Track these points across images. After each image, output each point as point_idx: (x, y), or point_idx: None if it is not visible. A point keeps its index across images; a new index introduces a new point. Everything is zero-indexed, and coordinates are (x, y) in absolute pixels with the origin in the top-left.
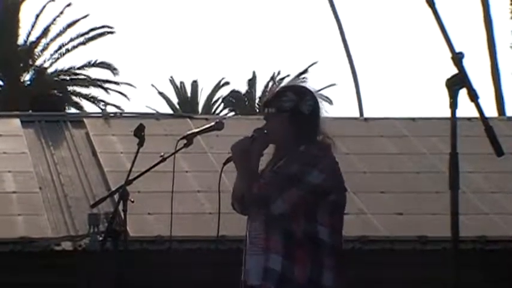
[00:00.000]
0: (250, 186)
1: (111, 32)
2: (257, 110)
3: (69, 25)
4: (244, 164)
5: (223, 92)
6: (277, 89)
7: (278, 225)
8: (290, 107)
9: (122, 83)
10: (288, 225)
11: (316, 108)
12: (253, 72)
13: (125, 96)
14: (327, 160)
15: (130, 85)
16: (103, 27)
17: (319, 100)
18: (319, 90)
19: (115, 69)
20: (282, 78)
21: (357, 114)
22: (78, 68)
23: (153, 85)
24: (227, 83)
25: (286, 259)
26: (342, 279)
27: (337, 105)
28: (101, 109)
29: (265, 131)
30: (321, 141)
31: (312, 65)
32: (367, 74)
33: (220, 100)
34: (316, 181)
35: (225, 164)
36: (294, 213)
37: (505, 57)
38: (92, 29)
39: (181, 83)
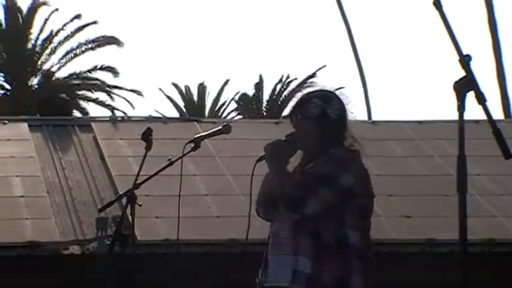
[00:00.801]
0: (282, 187)
1: (119, 45)
2: (264, 114)
3: (77, 30)
4: (277, 165)
5: (229, 94)
6: (303, 97)
7: (307, 227)
8: (317, 113)
9: (128, 89)
10: (317, 227)
11: (343, 112)
12: (260, 76)
13: (131, 104)
14: (356, 165)
15: (137, 92)
16: (113, 38)
17: (346, 103)
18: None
19: (117, 72)
20: (290, 81)
21: (365, 118)
22: (84, 73)
23: (160, 89)
24: (233, 86)
25: (315, 262)
26: (368, 282)
27: None
28: (112, 112)
29: (295, 137)
30: (350, 146)
31: (321, 68)
32: (374, 77)
33: (226, 103)
34: (346, 184)
35: (257, 161)
36: (324, 216)
37: (511, 60)
38: (102, 37)
39: (187, 86)
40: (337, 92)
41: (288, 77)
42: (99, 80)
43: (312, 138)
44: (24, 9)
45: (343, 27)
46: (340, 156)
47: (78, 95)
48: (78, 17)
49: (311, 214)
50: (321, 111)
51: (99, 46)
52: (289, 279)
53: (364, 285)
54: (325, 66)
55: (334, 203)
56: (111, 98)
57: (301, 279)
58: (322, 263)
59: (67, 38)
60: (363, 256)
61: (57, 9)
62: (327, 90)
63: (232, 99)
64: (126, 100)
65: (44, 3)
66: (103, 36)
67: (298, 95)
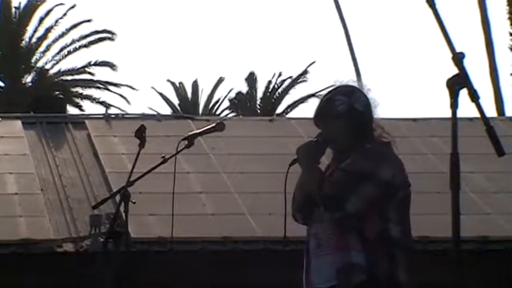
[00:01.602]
0: (320, 188)
1: (112, 39)
2: (258, 111)
3: (71, 27)
4: (312, 166)
5: (223, 92)
6: (326, 97)
7: (351, 224)
8: (345, 110)
9: (122, 85)
10: (360, 224)
11: (368, 103)
12: (254, 73)
13: (126, 99)
14: (393, 157)
15: (132, 87)
16: (105, 31)
17: (368, 93)
18: (321, 90)
19: (114, 65)
20: (284, 79)
21: None
22: (79, 69)
23: (153, 87)
24: (227, 84)
25: (367, 255)
26: (410, 275)
27: None
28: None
29: (325, 138)
30: (380, 137)
31: (311, 64)
32: (369, 74)
33: (220, 100)
34: (387, 177)
35: (291, 165)
36: (367, 211)
37: (504, 58)
38: (94, 32)
39: (181, 83)
40: (355, 84)
41: (280, 74)
42: (93, 76)
43: (343, 136)
44: (18, 6)
45: (339, 23)
46: (376, 149)
47: (72, 92)
48: (73, 7)
49: (354, 212)
50: (349, 107)
51: (92, 43)
52: (335, 278)
53: (408, 279)
54: (314, 62)
55: (375, 198)
56: (108, 90)
57: (357, 271)
58: (372, 257)
59: (62, 35)
60: (406, 249)
61: (52, 9)
62: (347, 85)
63: (226, 96)
64: (121, 96)
65: (40, 1)
66: (96, 31)
67: (293, 92)
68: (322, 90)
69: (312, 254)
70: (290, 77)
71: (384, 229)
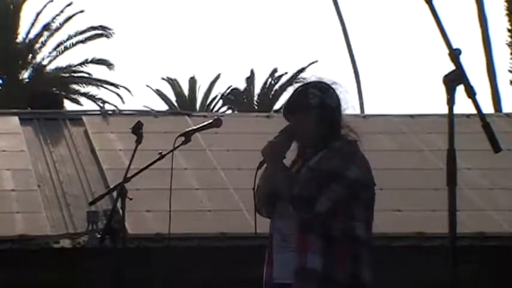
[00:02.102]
0: (290, 187)
1: (107, 36)
2: (255, 108)
3: (66, 20)
4: (278, 164)
5: (220, 88)
6: (299, 89)
7: (315, 223)
8: (317, 104)
9: (119, 85)
10: (325, 223)
11: (339, 102)
12: (252, 70)
13: (121, 98)
14: (360, 156)
15: (128, 90)
16: (101, 27)
17: (341, 93)
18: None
19: (111, 64)
20: (281, 76)
21: (358, 111)
22: (75, 66)
23: (148, 85)
24: (224, 81)
25: (326, 258)
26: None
27: None
28: (100, 106)
29: (292, 131)
30: (347, 136)
31: (312, 63)
32: (367, 71)
33: (218, 97)
34: (355, 176)
35: (258, 168)
36: (335, 211)
37: (501, 54)
38: (90, 28)
39: (177, 80)
40: (330, 82)
41: (276, 71)
42: (90, 74)
43: (313, 130)
44: (17, 3)
45: (337, 20)
46: (345, 149)
47: (69, 88)
48: (69, 4)
49: (323, 212)
50: (321, 102)
51: (89, 39)
52: (293, 277)
53: (372, 277)
54: (316, 61)
55: (344, 198)
56: (104, 88)
57: (312, 278)
58: (333, 258)
59: (57, 29)
60: (369, 248)
61: (48, 2)
62: (321, 81)
63: (223, 93)
64: (117, 94)
65: None
66: (92, 27)
67: (291, 89)
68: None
69: (276, 248)
70: (286, 73)
71: (349, 228)
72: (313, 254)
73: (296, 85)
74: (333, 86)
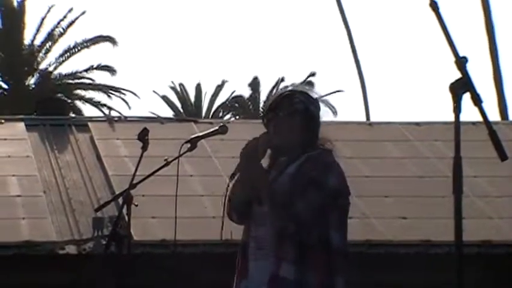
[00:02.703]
0: (272, 193)
1: (115, 42)
2: (261, 114)
3: (69, 24)
4: (256, 166)
5: (226, 95)
6: (285, 93)
7: (290, 231)
8: (302, 109)
9: (125, 89)
10: (300, 231)
11: (319, 109)
12: (257, 77)
13: (127, 103)
14: (337, 165)
15: (134, 93)
16: (107, 37)
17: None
18: (325, 95)
19: (114, 70)
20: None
21: (364, 119)
22: (81, 72)
23: (154, 91)
24: (229, 87)
25: (299, 266)
26: (350, 282)
27: (344, 111)
28: (104, 114)
29: (273, 135)
30: (323, 145)
31: (311, 75)
32: (373, 79)
33: (224, 102)
34: (334, 185)
35: (231, 178)
36: (312, 219)
37: (508, 62)
38: (98, 37)
39: (183, 86)
40: (313, 91)
41: (282, 79)
42: (94, 81)
43: (295, 134)
44: (20, 8)
45: (342, 28)
46: (323, 157)
47: (75, 94)
48: (70, 11)
49: (302, 218)
50: (305, 107)
51: (94, 44)
52: (266, 285)
53: (347, 285)
54: (314, 74)
55: (322, 205)
56: (109, 97)
57: (283, 286)
58: (306, 267)
59: (61, 34)
60: (345, 256)
61: (52, 7)
62: (304, 89)
63: (228, 100)
64: (123, 100)
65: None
66: (99, 36)
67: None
68: (326, 95)
69: (250, 256)
70: (293, 81)
71: (325, 236)
72: (287, 262)
73: (280, 89)
74: (315, 96)
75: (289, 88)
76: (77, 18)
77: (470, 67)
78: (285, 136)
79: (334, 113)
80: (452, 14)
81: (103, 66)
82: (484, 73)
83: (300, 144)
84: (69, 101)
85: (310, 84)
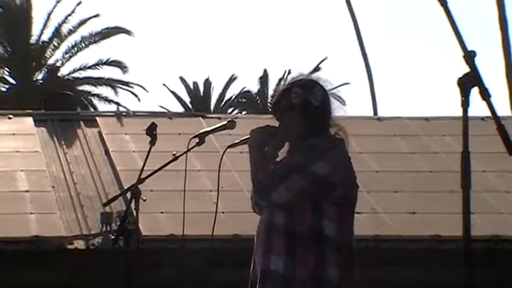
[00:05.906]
0: (257, 176)
1: (127, 32)
2: (269, 109)
3: (80, 24)
4: (257, 154)
5: (235, 90)
6: (284, 87)
7: (279, 222)
8: (299, 103)
9: (133, 83)
10: (290, 222)
11: (326, 99)
12: (265, 71)
13: (136, 96)
14: (335, 153)
15: (143, 87)
16: (116, 28)
17: (328, 88)
18: (333, 88)
19: (125, 67)
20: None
21: (371, 114)
22: (90, 67)
23: (164, 84)
24: (238, 82)
25: (289, 259)
26: (348, 276)
27: (351, 104)
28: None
29: (280, 130)
30: (334, 135)
31: (323, 61)
32: (381, 73)
33: (232, 99)
34: (320, 172)
35: (229, 147)
36: (296, 204)
37: None
38: (105, 29)
39: (194, 82)
40: (318, 79)
41: (289, 72)
42: (104, 75)
43: (295, 129)
44: (27, 2)
45: (350, 21)
46: (318, 144)
47: (83, 90)
48: (79, 4)
49: (279, 202)
50: (303, 100)
51: (103, 38)
52: (259, 278)
53: (342, 278)
54: (326, 58)
55: (305, 191)
56: (116, 93)
57: (273, 280)
58: (296, 259)
59: (70, 32)
60: (341, 249)
61: (59, 1)
62: (307, 79)
63: (237, 95)
64: (132, 93)
65: None
66: (107, 28)
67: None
68: (334, 88)
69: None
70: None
71: (317, 224)
72: (276, 255)
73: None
74: (320, 84)
75: (288, 82)
76: (89, 18)
77: (480, 61)
78: (289, 131)
79: (342, 102)
80: (466, 7)
81: (112, 61)
82: (496, 69)
83: (305, 135)
84: (79, 95)
85: (318, 71)
